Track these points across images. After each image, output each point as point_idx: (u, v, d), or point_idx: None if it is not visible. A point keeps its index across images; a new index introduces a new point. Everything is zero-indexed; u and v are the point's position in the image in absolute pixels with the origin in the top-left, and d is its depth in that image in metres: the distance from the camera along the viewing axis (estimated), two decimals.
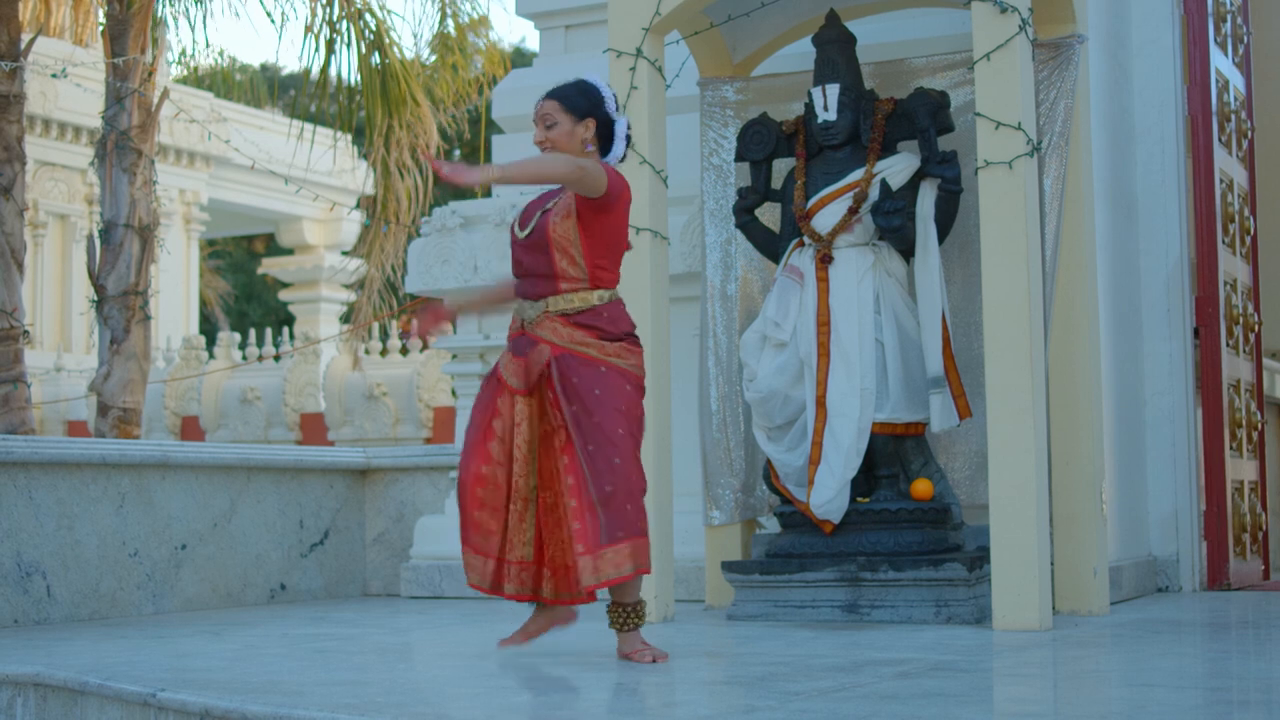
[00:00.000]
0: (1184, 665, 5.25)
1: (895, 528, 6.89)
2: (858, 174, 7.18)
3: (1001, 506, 6.34)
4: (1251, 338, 9.38)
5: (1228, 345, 8.85)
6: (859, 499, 7.00)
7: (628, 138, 5.66)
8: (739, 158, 7.56)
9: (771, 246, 7.46)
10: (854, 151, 7.27)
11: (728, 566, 7.10)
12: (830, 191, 7.18)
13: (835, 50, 7.34)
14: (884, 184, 7.09)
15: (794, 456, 7.07)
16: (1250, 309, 9.35)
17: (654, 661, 5.37)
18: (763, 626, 6.60)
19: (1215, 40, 8.99)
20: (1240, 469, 8.98)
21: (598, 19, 8.63)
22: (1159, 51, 8.68)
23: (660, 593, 6.96)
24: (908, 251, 7.14)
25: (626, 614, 5.47)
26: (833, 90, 7.26)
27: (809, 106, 7.36)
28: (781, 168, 7.57)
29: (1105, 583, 7.04)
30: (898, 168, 7.13)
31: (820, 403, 6.98)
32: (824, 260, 7.09)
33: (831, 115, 7.25)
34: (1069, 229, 7.12)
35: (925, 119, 7.12)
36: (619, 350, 5.47)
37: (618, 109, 5.66)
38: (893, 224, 7.00)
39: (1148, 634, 6.26)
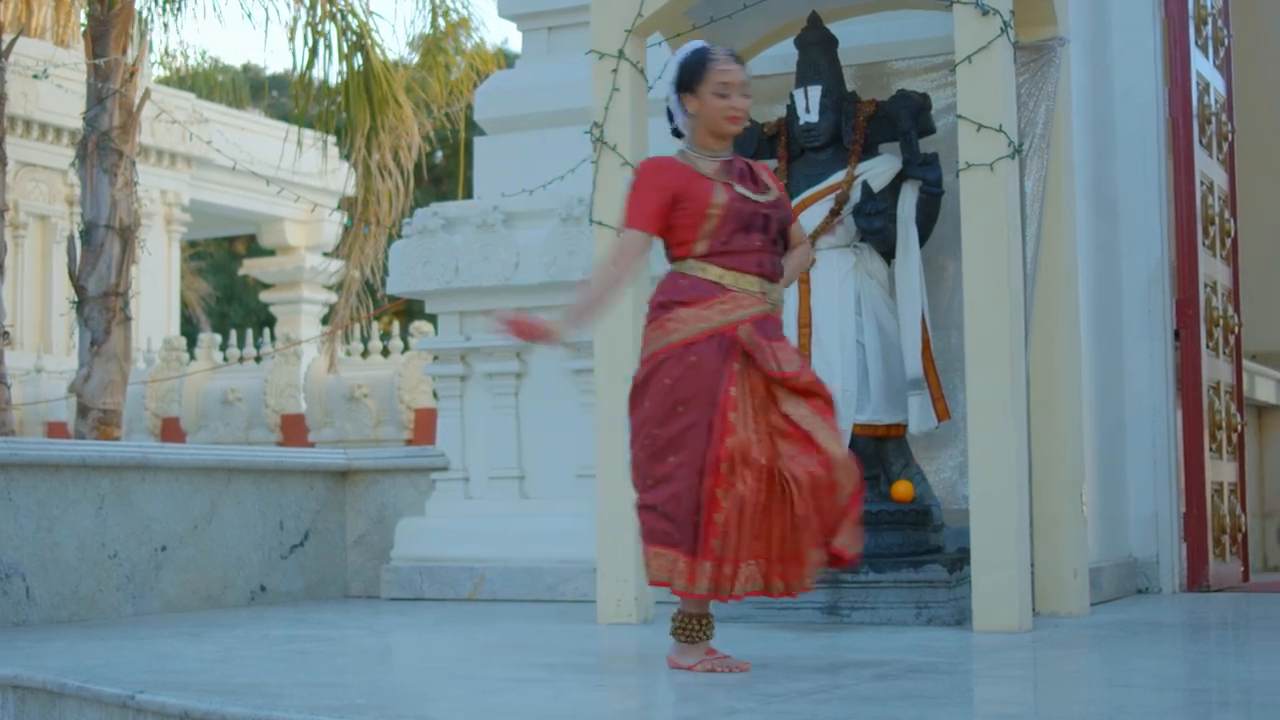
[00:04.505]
0: (1164, 666, 5.26)
1: (876, 529, 6.88)
2: (839, 176, 7.18)
3: (982, 508, 6.35)
4: (1231, 340, 9.40)
5: (1208, 347, 8.87)
6: None
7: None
8: None
9: None
10: (836, 153, 7.28)
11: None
12: (812, 193, 7.18)
13: (817, 52, 7.34)
14: (865, 186, 7.09)
15: None
16: (1230, 311, 9.37)
17: None
18: (743, 628, 6.60)
19: (1196, 43, 9.01)
20: (1220, 470, 9.00)
21: (580, 20, 8.62)
22: (1140, 54, 8.69)
23: (640, 594, 6.96)
24: (889, 253, 7.14)
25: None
26: (815, 92, 7.26)
27: (791, 108, 7.36)
28: None
29: (1085, 584, 7.05)
30: (879, 169, 7.14)
31: None
32: None
33: (813, 117, 7.26)
34: (1050, 231, 7.13)
35: (907, 121, 7.13)
36: None
37: None
38: (874, 226, 7.01)
39: (1127, 635, 6.27)
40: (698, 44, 5.44)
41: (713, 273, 5.21)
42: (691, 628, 5.25)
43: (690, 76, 5.34)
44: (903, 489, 6.96)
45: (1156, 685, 4.74)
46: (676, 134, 5.45)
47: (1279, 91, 11.44)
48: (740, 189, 5.26)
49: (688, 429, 5.10)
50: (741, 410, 5.10)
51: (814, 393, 5.20)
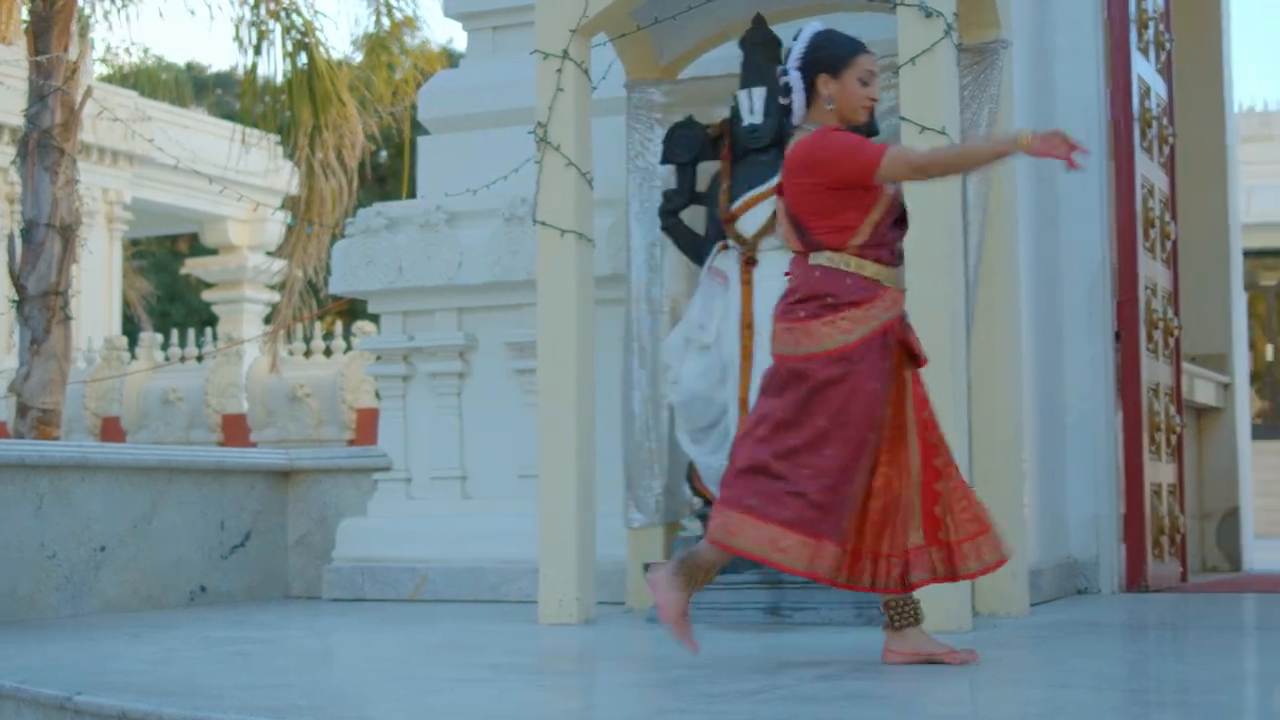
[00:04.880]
0: (1102, 666, 5.28)
1: None
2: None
3: None
4: (1171, 342, 9.45)
5: (1148, 349, 8.92)
6: None
7: None
8: (665, 160, 7.57)
9: (696, 249, 7.47)
10: (779, 155, 7.24)
11: (649, 568, 7.08)
12: (755, 194, 7.18)
13: (761, 54, 7.35)
14: None
15: (717, 459, 7.07)
16: (1170, 313, 9.42)
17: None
18: None
19: (1137, 46, 9.06)
20: (1159, 472, 9.05)
21: (525, 20, 8.60)
22: (1082, 57, 8.73)
23: (582, 594, 6.96)
24: None
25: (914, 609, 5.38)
26: (759, 93, 7.27)
27: (735, 109, 7.36)
28: (707, 170, 7.57)
29: (1025, 585, 7.08)
30: None
31: (744, 405, 6.98)
32: (749, 263, 7.10)
33: (757, 118, 7.26)
34: (992, 233, 7.15)
35: None
36: None
37: None
38: None
39: (1067, 635, 6.30)
40: (820, 27, 5.45)
41: (869, 269, 5.23)
42: (695, 574, 5.29)
43: (835, 60, 5.34)
44: None
45: (1095, 685, 4.76)
46: (785, 110, 5.42)
47: (1219, 95, 11.51)
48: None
49: (847, 424, 5.16)
50: (883, 410, 5.22)
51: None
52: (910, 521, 5.25)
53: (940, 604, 6.26)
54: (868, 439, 5.19)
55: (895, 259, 5.31)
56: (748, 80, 7.32)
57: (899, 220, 5.34)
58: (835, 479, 5.16)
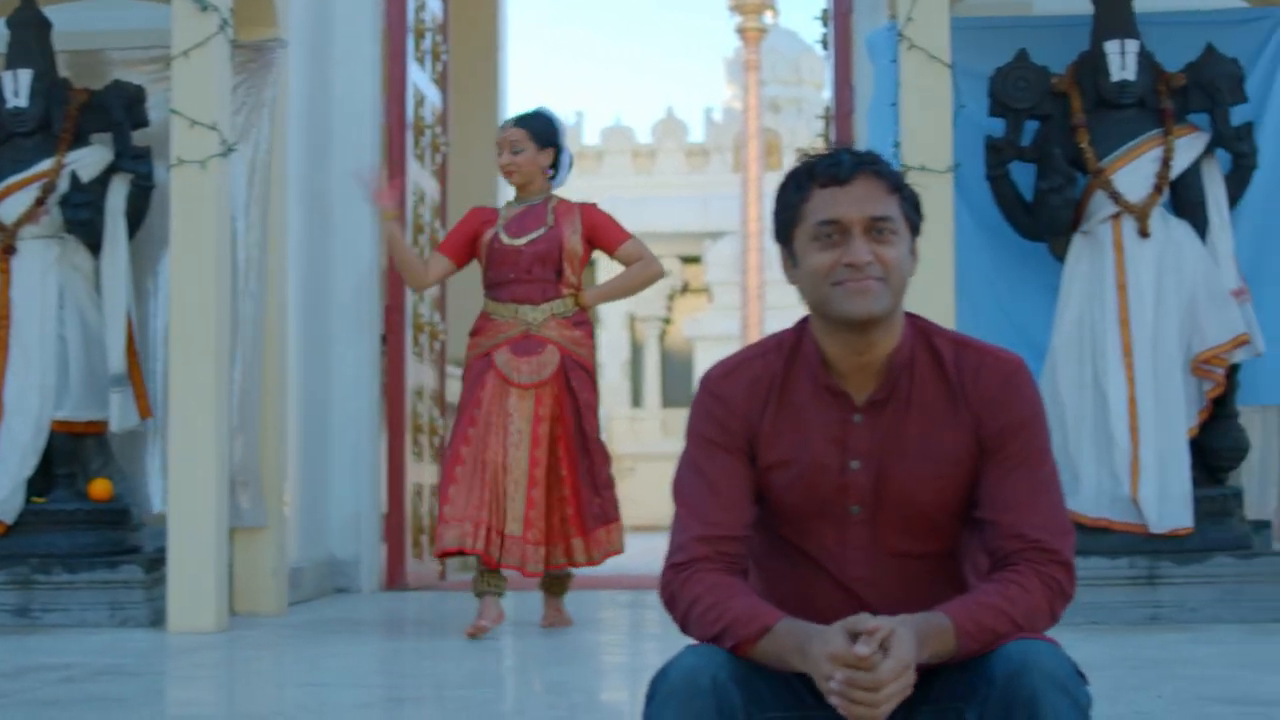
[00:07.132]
0: (359, 664, 5.39)
1: (71, 529, 6.73)
2: (47, 164, 6.98)
3: (180, 510, 6.33)
4: (436, 346, 9.69)
5: (413, 352, 9.11)
6: (35, 499, 6.80)
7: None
8: None
9: None
10: (44, 141, 7.07)
11: None
12: (16, 180, 6.95)
13: (29, 34, 7.13)
14: (74, 176, 6.93)
15: None
16: (437, 318, 9.66)
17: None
18: None
19: (414, 55, 9.25)
20: (420, 472, 9.26)
21: None
22: (360, 63, 8.84)
23: None
24: (96, 246, 6.99)
25: (565, 583, 6.61)
26: (25, 76, 7.04)
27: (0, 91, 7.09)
28: None
29: (284, 584, 7.14)
30: (89, 160, 7.00)
31: None
32: (7, 252, 6.87)
33: (22, 102, 7.03)
34: (263, 233, 7.15)
35: (120, 112, 7.02)
36: (592, 353, 6.47)
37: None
38: (80, 217, 6.86)
39: (324, 634, 6.38)
40: None
41: (488, 305, 6.45)
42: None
43: None
44: (101, 487, 6.82)
45: (350, 682, 4.86)
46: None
47: (495, 107, 11.86)
48: (502, 234, 6.39)
49: (459, 420, 6.33)
50: (485, 412, 6.24)
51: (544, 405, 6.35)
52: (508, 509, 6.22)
53: (195, 601, 6.24)
54: (467, 432, 6.23)
55: (507, 296, 6.38)
56: (14, 61, 7.09)
57: (506, 265, 6.37)
58: (450, 462, 6.21)
